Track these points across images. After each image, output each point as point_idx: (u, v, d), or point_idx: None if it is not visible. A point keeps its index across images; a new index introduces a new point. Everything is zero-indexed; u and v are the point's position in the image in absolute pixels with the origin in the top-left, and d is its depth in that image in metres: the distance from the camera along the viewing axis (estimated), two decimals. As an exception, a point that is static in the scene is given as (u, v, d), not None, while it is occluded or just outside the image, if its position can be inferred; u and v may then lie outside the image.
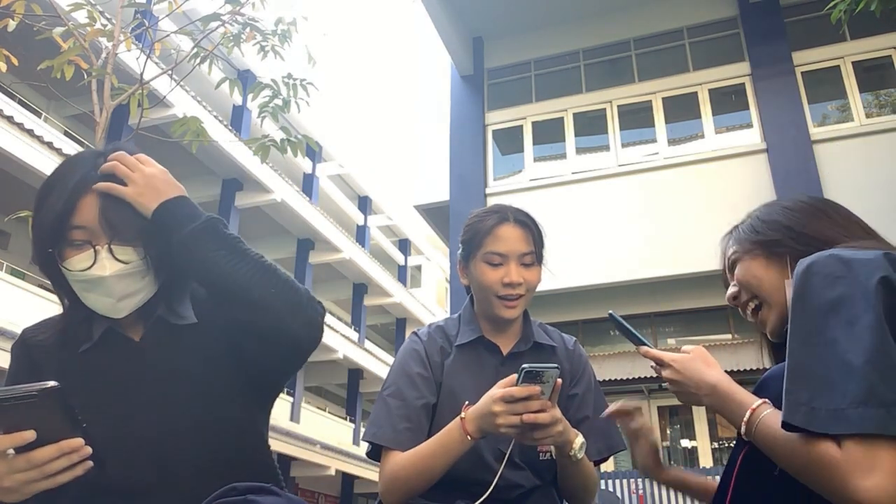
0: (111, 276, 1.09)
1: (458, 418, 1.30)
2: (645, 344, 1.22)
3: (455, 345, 1.52)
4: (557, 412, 1.26)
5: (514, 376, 1.24)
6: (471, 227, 1.53)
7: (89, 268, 1.09)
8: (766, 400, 1.01)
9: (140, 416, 1.09)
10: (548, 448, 1.45)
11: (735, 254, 1.24)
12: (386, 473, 1.37)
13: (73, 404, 0.92)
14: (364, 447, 1.52)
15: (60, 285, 1.15)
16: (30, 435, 0.89)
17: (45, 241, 1.10)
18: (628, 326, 1.26)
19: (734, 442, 1.13)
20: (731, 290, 1.24)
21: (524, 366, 1.21)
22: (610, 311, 1.32)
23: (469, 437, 1.28)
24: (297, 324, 1.09)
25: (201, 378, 1.14)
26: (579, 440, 1.34)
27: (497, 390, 1.25)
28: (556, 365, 1.22)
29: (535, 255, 1.49)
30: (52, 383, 0.89)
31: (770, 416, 0.97)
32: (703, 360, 1.13)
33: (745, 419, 1.01)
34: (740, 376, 9.00)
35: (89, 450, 0.93)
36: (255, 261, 1.10)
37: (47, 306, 11.31)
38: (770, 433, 0.96)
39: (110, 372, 1.13)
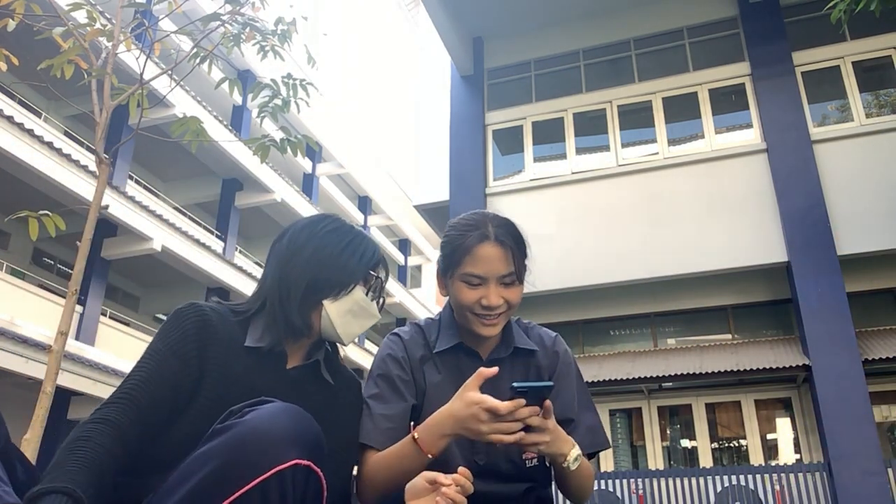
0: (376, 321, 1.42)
1: (409, 436, 1.29)
2: None
3: (434, 352, 1.51)
4: (551, 423, 1.24)
5: (482, 372, 1.25)
6: (449, 241, 1.46)
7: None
8: None
9: None
10: (533, 454, 1.43)
11: None
12: (361, 472, 1.38)
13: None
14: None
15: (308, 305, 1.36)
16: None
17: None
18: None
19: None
20: None
21: (514, 384, 1.18)
22: None
23: (429, 456, 1.27)
24: None
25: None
26: (574, 452, 1.31)
27: (474, 395, 1.22)
28: (550, 384, 1.21)
29: (515, 275, 1.42)
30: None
31: None
32: None
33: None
34: (740, 376, 9.00)
35: None
36: None
37: (47, 306, 11.31)
38: None
39: (260, 379, 1.28)
